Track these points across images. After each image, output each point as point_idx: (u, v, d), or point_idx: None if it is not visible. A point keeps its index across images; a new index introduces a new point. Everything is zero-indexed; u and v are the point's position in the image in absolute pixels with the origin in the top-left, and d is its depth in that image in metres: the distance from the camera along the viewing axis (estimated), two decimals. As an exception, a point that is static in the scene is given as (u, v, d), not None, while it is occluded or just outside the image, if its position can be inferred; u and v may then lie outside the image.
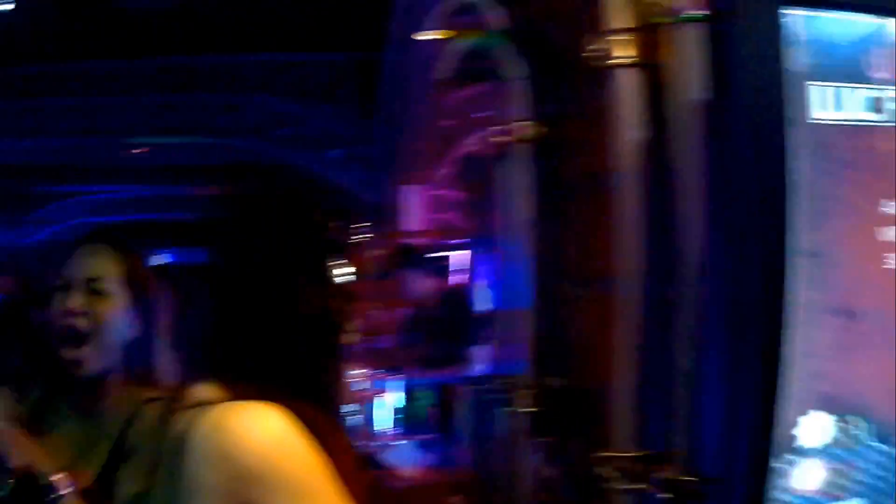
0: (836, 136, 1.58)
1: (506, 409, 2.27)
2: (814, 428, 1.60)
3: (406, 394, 4.54)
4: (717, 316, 1.53)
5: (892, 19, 1.62)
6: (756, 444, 1.54)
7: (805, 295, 1.53)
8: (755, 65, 1.47)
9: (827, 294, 1.58)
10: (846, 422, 1.64)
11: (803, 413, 1.59)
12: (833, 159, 1.58)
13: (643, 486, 1.65)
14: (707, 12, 1.51)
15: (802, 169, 1.52)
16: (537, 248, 2.18)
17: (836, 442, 1.63)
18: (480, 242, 2.45)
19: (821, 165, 1.57)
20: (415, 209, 7.04)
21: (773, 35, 1.46)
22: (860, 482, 1.70)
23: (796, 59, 1.53)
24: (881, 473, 1.72)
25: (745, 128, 1.47)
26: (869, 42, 1.63)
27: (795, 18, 1.54)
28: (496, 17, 2.40)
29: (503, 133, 2.22)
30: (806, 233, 1.52)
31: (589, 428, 1.89)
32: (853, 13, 1.61)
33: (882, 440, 1.67)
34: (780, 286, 1.49)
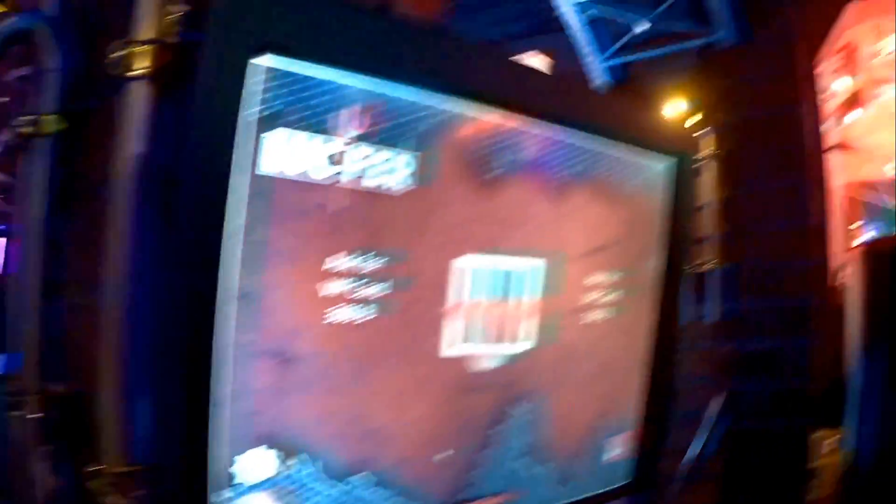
0: (289, 188, 1.62)
1: (15, 414, 2.14)
2: (255, 464, 1.66)
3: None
4: (152, 351, 1.55)
5: (363, 75, 1.73)
6: (192, 477, 1.58)
7: (241, 337, 1.58)
8: (211, 109, 1.49)
9: (263, 337, 1.65)
10: (290, 459, 1.71)
11: (242, 451, 1.64)
12: (283, 211, 1.62)
13: (128, 500, 1.64)
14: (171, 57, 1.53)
15: (250, 216, 1.55)
16: (46, 247, 2.09)
17: (280, 477, 1.70)
18: (13, 231, 2.29)
19: (268, 215, 1.60)
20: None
21: (234, 82, 1.49)
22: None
23: (259, 108, 1.54)
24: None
25: (192, 171, 1.49)
26: (338, 99, 1.71)
27: (263, 69, 1.55)
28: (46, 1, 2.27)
29: (29, 124, 2.10)
30: (244, 278, 1.56)
31: (86, 438, 1.84)
32: (326, 67, 1.67)
33: (332, 476, 1.78)
34: (209, 327, 1.53)
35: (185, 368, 1.53)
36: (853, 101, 7.65)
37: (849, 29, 5.87)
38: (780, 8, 5.48)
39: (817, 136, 5.65)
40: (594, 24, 5.61)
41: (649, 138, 2.41)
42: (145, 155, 1.64)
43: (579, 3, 5.39)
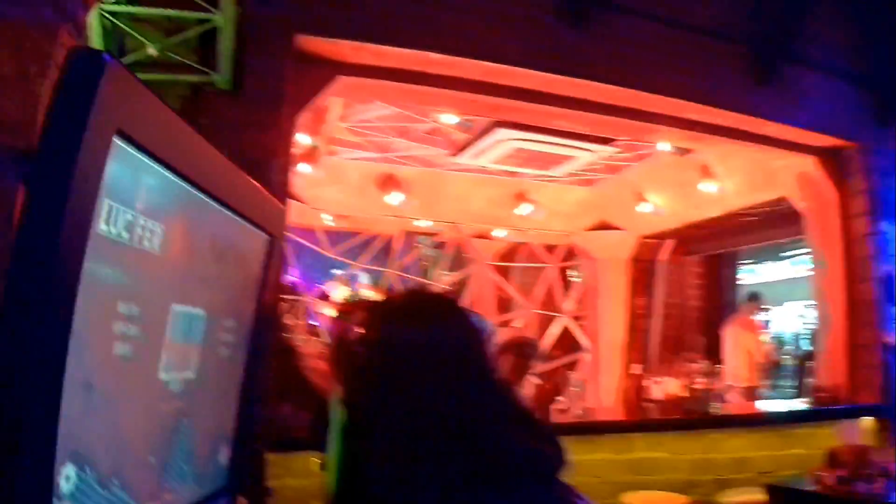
0: (107, 245, 1.93)
1: None
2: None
3: None
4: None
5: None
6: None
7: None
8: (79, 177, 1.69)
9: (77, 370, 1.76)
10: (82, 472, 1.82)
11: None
12: (99, 259, 1.89)
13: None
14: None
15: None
16: None
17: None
18: None
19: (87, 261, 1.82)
20: None
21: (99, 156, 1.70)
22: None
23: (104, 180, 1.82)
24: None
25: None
26: (142, 182, 2.11)
27: (117, 147, 1.90)
28: None
29: None
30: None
31: None
32: (151, 159, 2.10)
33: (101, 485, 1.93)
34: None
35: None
36: (307, 157, 8.44)
37: (324, 94, 6.43)
38: (274, 66, 5.84)
39: (285, 189, 6.03)
40: (111, 32, 5.36)
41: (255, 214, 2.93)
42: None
43: (103, 7, 5.13)
